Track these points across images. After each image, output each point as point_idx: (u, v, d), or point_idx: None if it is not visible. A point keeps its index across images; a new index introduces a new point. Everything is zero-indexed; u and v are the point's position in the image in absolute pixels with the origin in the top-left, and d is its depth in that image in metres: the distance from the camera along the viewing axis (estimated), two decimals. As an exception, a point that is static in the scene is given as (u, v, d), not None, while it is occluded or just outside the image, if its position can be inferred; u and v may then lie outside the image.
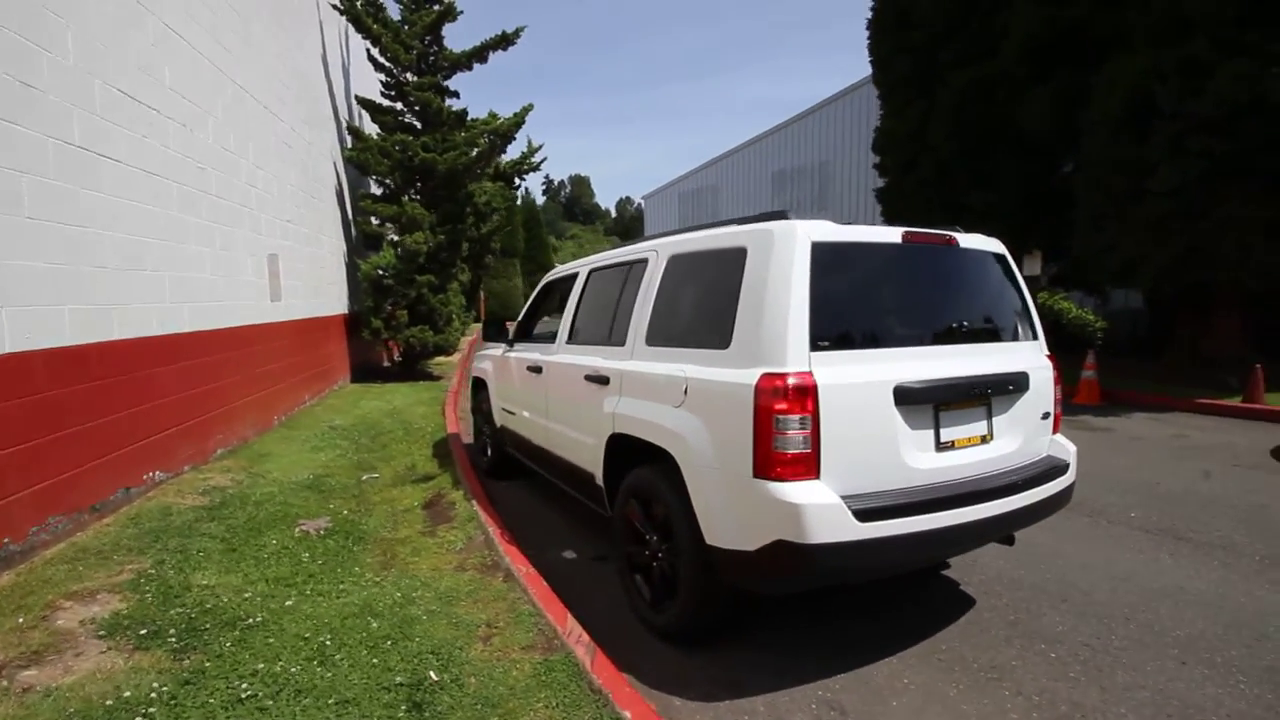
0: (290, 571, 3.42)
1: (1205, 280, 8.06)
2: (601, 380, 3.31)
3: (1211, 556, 3.74)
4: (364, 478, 5.35)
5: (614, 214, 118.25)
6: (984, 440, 2.71)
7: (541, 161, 12.77)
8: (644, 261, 3.32)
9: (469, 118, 10.87)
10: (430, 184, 10.38)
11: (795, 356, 2.33)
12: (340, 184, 10.09)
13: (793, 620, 3.06)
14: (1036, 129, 9.39)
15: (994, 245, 3.06)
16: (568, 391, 3.76)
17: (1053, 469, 2.87)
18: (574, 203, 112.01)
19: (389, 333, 10.33)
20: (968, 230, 2.98)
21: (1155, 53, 7.50)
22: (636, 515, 3.06)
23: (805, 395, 2.28)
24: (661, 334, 3.01)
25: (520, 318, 4.97)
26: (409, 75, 10.40)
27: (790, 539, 2.25)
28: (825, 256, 2.46)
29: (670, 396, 2.74)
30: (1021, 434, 2.85)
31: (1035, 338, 3.08)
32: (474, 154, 10.16)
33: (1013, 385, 2.79)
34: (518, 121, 10.01)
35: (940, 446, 2.57)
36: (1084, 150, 8.73)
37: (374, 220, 10.65)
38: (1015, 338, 2.98)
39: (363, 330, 10.23)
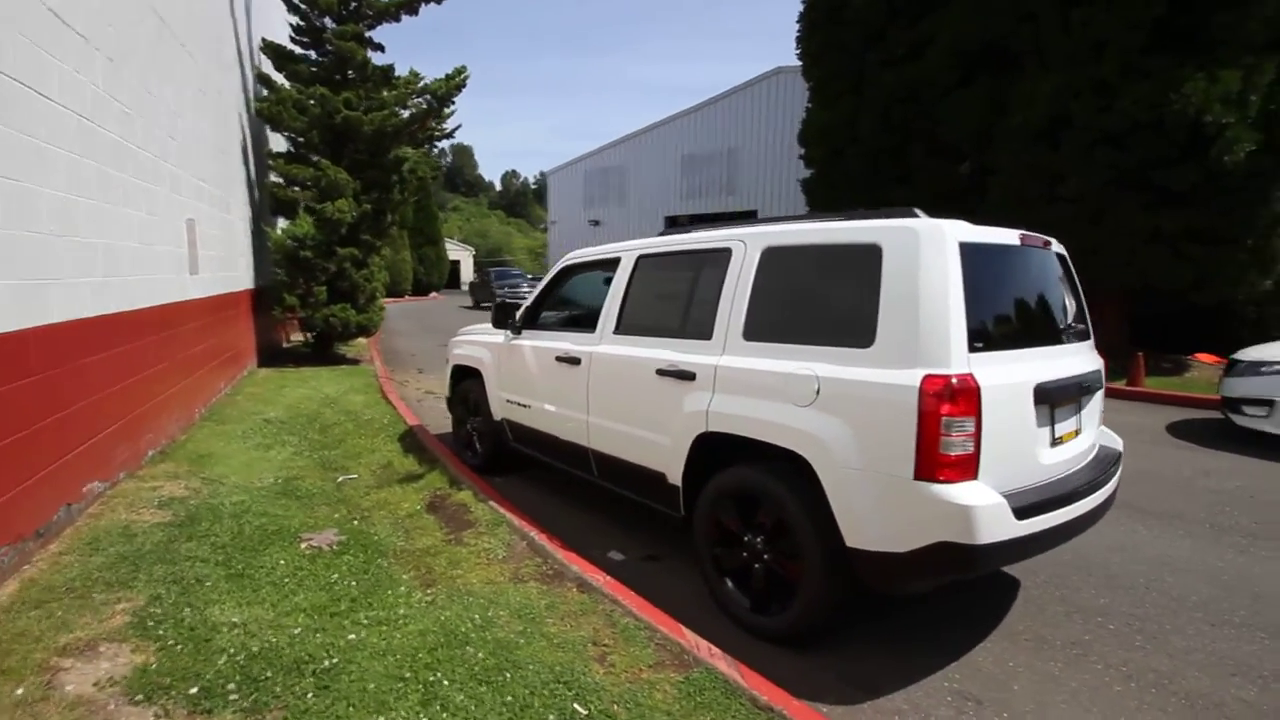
0: (327, 599, 2.96)
1: (1096, 279, 9.16)
2: (683, 375, 3.14)
3: (1174, 527, 4.26)
4: (340, 480, 4.77)
5: (499, 187, 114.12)
6: (1076, 434, 2.88)
7: (456, 129, 11.91)
8: (725, 252, 3.16)
9: (394, 75, 9.88)
10: (353, 146, 9.36)
11: (958, 357, 2.32)
12: (245, 139, 8.80)
13: (860, 615, 3.06)
14: (957, 132, 10.13)
15: (1060, 247, 3.23)
16: (626, 386, 3.53)
17: (1117, 456, 3.12)
18: (456, 173, 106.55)
19: (306, 310, 9.26)
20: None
21: (1071, 71, 8.32)
22: (730, 517, 2.96)
23: (971, 396, 2.28)
24: (765, 329, 2.89)
25: (528, 304, 4.61)
26: (328, 20, 9.24)
27: (957, 540, 2.26)
28: (966, 256, 2.47)
29: (796, 395, 2.64)
30: (1093, 427, 3.06)
31: (1090, 336, 3.31)
32: (406, 116, 9.26)
33: (1097, 383, 2.98)
34: (457, 84, 9.22)
35: (1055, 442, 2.69)
36: (1000, 155, 9.54)
37: (285, 183, 9.42)
38: (1086, 337, 3.18)
39: (274, 308, 9.09)
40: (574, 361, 3.91)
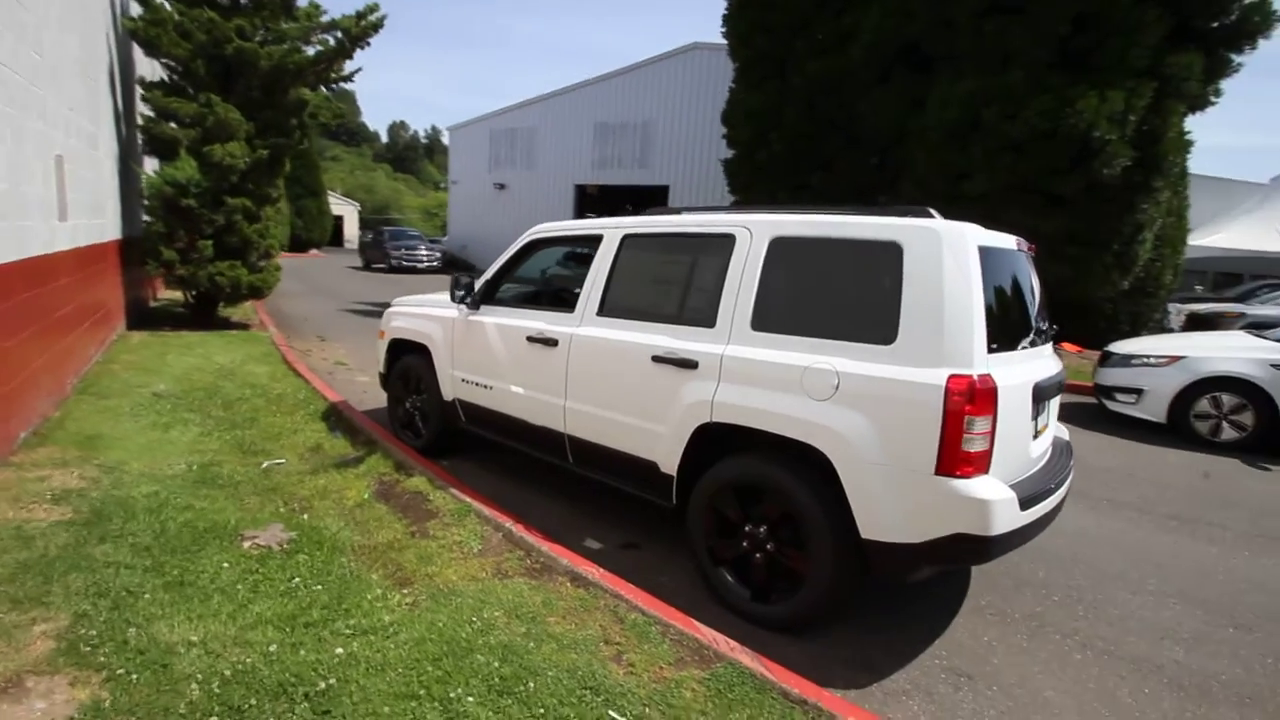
0: (294, 607, 2.63)
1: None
2: (684, 363, 3.05)
3: (1079, 502, 4.77)
4: (265, 465, 4.26)
5: (385, 138, 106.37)
6: (1046, 428, 3.12)
7: (355, 72, 10.79)
8: (727, 238, 3.09)
9: (295, 5, 8.77)
10: (245, 82, 8.24)
11: (980, 358, 2.41)
12: (113, 64, 7.47)
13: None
14: (874, 126, 10.61)
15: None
16: (614, 371, 3.39)
17: (1067, 445, 3.43)
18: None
19: (187, 268, 8.14)
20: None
21: (983, 78, 8.92)
22: (730, 508, 2.95)
23: (990, 396, 2.39)
24: (775, 320, 2.86)
25: (487, 277, 4.30)
26: (216, -68, 7.98)
27: (973, 532, 2.38)
28: (982, 259, 2.56)
29: (812, 389, 2.64)
30: (1051, 419, 3.33)
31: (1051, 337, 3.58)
32: (311, 54, 8.27)
33: (1063, 379, 3.23)
34: (372, 24, 8.33)
35: (1035, 435, 2.89)
36: (914, 152, 10.11)
37: (160, 118, 8.13)
38: (1051, 337, 3.43)
39: (147, 263, 7.92)
40: (549, 343, 3.70)
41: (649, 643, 2.56)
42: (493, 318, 4.15)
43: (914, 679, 2.63)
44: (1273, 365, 6.03)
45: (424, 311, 4.79)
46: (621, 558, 3.49)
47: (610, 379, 3.42)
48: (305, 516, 3.49)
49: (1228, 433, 6.28)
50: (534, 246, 4.18)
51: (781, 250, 2.92)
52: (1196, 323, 11.67)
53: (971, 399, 2.35)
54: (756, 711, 2.21)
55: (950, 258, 2.49)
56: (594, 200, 26.40)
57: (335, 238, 44.67)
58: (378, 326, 5.30)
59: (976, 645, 2.90)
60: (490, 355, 4.12)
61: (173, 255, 7.97)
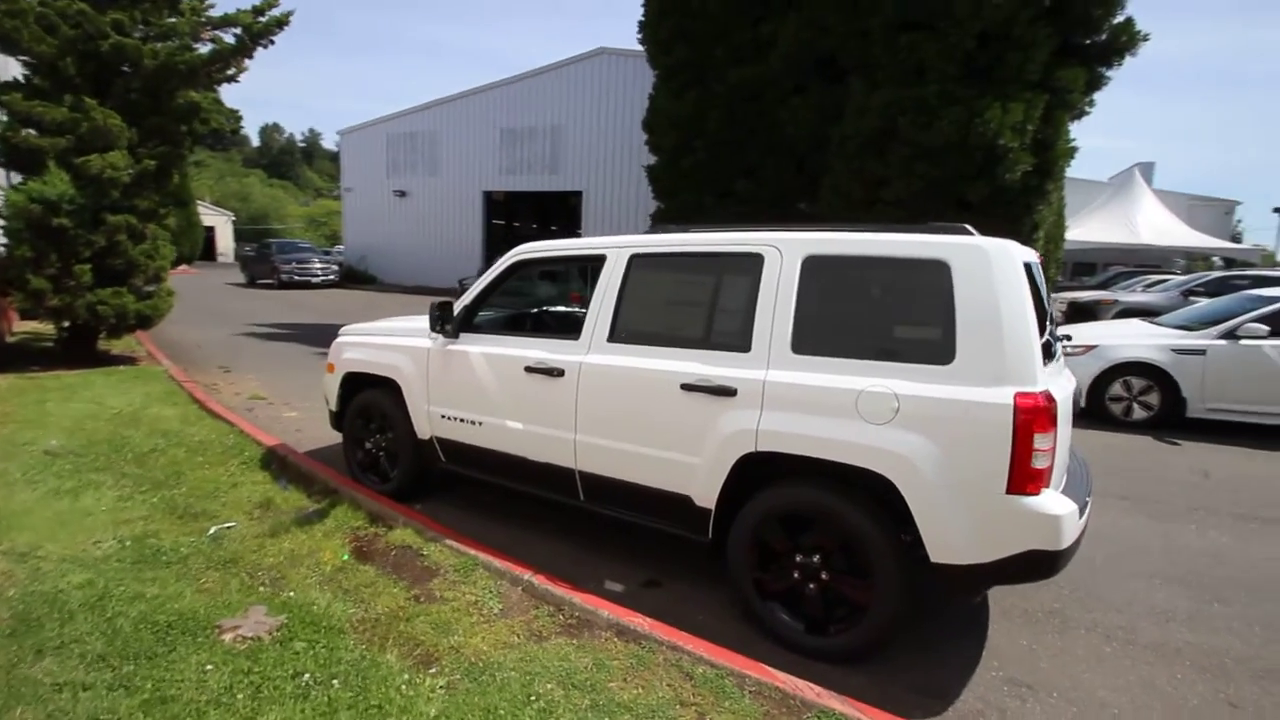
0: (313, 712, 2.22)
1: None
2: (720, 391, 2.89)
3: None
4: (211, 531, 3.67)
5: (257, 142, 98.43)
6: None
7: (235, 73, 9.71)
8: (754, 257, 2.97)
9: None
10: (124, 83, 7.20)
11: (1040, 374, 2.43)
12: (-49, 59, 6.27)
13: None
14: (795, 133, 10.95)
15: None
16: (635, 402, 3.17)
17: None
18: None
19: (61, 297, 6.99)
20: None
21: (898, 89, 9.41)
22: (777, 538, 2.83)
23: (1053, 412, 2.41)
24: (817, 343, 2.76)
25: (465, 302, 3.93)
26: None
27: (1045, 547, 2.39)
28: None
29: (870, 413, 2.57)
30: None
31: None
32: (205, 53, 7.36)
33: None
34: (276, 20, 7.52)
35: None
36: (833, 160, 10.52)
37: (21, 125, 6.91)
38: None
39: (10, 294, 6.73)
40: (553, 373, 3.42)
41: (728, 699, 2.38)
42: (478, 346, 3.80)
43: (982, 696, 2.62)
44: (1173, 350, 6.74)
45: (386, 341, 4.33)
46: (647, 598, 3.27)
47: (630, 410, 3.20)
48: (289, 593, 3.01)
49: (1138, 413, 6.95)
50: (519, 268, 3.86)
51: (816, 269, 2.83)
52: (1078, 310, 12.96)
53: (1038, 416, 2.36)
54: (868, 764, 2.10)
55: (1000, 275, 2.50)
56: (502, 207, 25.70)
57: (207, 251, 40.79)
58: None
59: (1018, 651, 2.95)
60: (477, 388, 3.77)
61: (43, 284, 6.82)
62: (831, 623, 2.76)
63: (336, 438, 5.62)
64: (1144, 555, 3.98)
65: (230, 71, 7.64)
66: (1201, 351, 6.65)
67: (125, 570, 3.12)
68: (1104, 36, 9.52)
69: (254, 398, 7.15)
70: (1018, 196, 9.58)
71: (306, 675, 2.41)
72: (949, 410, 2.46)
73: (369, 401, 4.43)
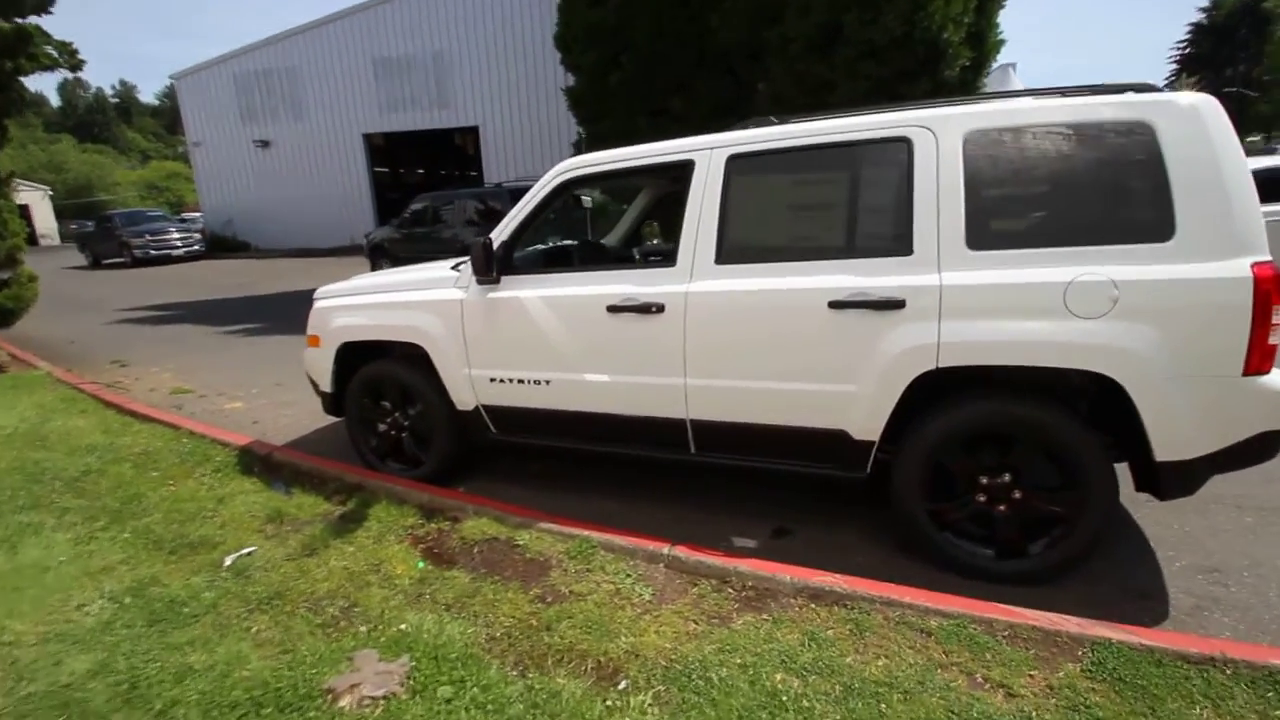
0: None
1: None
2: (883, 304, 2.46)
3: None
4: (227, 562, 2.87)
5: (57, 101, 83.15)
6: None
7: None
8: (901, 142, 2.51)
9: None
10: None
11: (1266, 241, 2.18)
12: None
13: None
14: (729, 41, 10.31)
15: None
16: (767, 330, 2.68)
17: None
18: (-29, 78, 73.66)
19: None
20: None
21: (840, -16, 8.96)
22: (960, 462, 2.52)
23: None
24: (998, 234, 2.38)
25: (505, 235, 3.21)
26: None
27: (1278, 427, 2.22)
28: None
29: (1082, 307, 2.24)
30: None
31: None
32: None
33: None
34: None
35: None
36: (772, 66, 10.02)
37: None
38: None
39: None
40: (650, 309, 2.84)
41: (987, 649, 2.07)
42: (532, 290, 3.12)
43: (1186, 589, 2.49)
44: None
45: (396, 298, 3.52)
46: (788, 549, 2.90)
47: (760, 341, 2.71)
48: (386, 626, 2.36)
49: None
50: (568, 188, 3.17)
51: (981, 148, 2.41)
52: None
53: (1275, 285, 2.12)
54: (1179, 687, 1.87)
55: (1215, 132, 2.20)
56: (386, 151, 23.28)
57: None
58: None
59: (1184, 536, 2.85)
60: (539, 341, 3.11)
61: None
62: (1029, 543, 2.52)
63: (310, 425, 4.82)
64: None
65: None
66: None
67: (141, 638, 2.32)
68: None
69: (177, 392, 5.95)
70: (955, 93, 9.58)
71: (484, 729, 1.85)
72: (1179, 292, 2.17)
73: (379, 375, 3.64)
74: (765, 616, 2.32)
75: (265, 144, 22.13)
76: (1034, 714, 1.83)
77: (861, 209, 2.61)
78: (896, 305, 2.45)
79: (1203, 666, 1.93)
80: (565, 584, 2.58)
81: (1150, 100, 2.27)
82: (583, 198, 8.72)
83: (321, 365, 3.77)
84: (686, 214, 2.84)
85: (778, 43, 9.78)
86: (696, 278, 2.79)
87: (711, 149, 2.83)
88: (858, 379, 2.56)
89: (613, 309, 2.91)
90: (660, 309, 2.82)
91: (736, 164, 2.77)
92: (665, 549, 2.67)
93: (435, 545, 2.97)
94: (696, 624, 2.31)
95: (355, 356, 3.69)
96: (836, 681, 1.99)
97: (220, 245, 22.37)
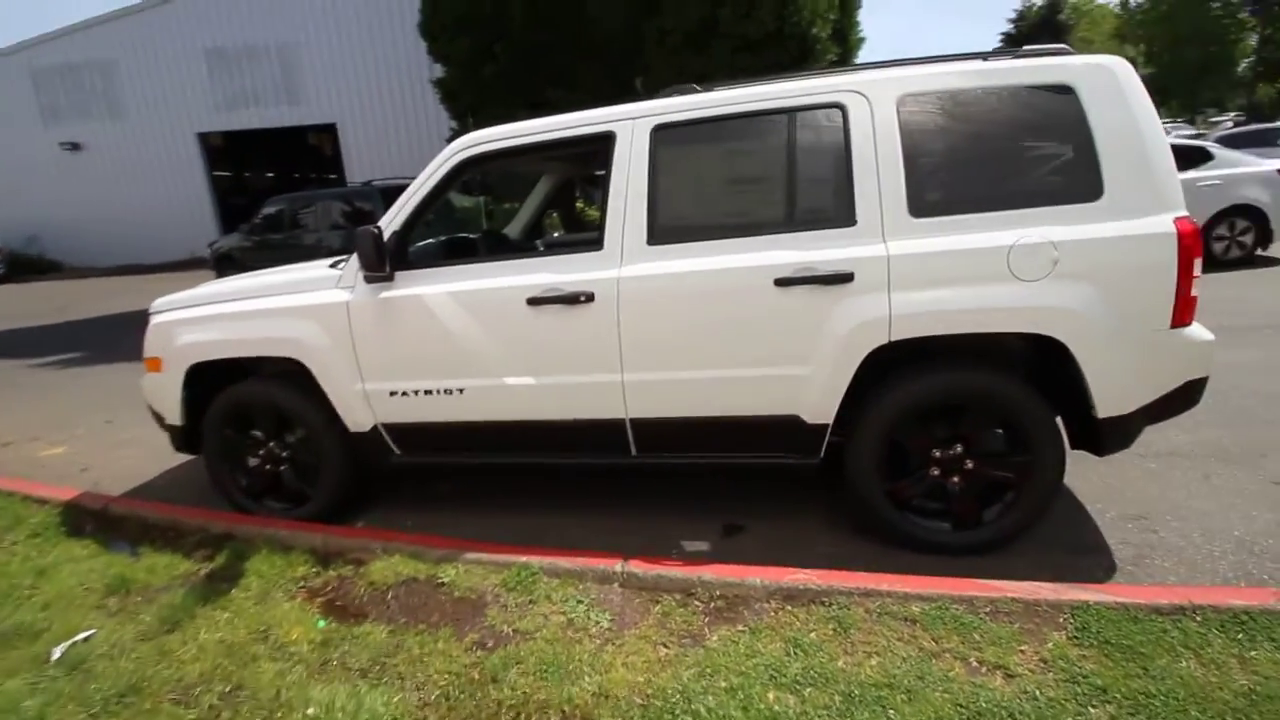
0: None
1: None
2: (831, 279, 2.32)
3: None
4: (57, 653, 2.22)
5: None
6: None
7: None
8: (835, 108, 2.38)
9: None
10: None
11: (1183, 198, 2.26)
12: None
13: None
14: (608, 29, 10.12)
15: None
16: (709, 314, 2.45)
17: None
18: None
19: None
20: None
21: (716, -21, 9.03)
22: (915, 437, 2.45)
23: (1199, 233, 2.27)
24: (938, 201, 2.31)
25: (396, 225, 2.75)
26: None
27: (1200, 375, 2.33)
28: None
29: (1025, 269, 2.22)
30: None
31: None
32: None
33: None
34: None
35: None
36: (652, 58, 9.96)
37: None
38: None
39: None
40: (577, 300, 2.52)
41: (974, 630, 1.97)
42: (433, 285, 2.70)
43: (1123, 539, 2.56)
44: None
45: (261, 305, 2.94)
46: (742, 547, 2.71)
47: (702, 327, 2.48)
48: (297, 712, 1.87)
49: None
50: (466, 168, 2.77)
51: (916, 112, 2.34)
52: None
53: (1196, 241, 2.20)
54: (1160, 641, 1.85)
55: (1130, 93, 2.25)
56: (226, 153, 20.88)
57: None
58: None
59: (1101, 490, 2.96)
60: (447, 344, 2.70)
61: None
62: (983, 512, 2.49)
63: (155, 467, 4.02)
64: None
65: None
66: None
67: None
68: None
69: (-29, 442, 4.79)
70: (826, 86, 10.02)
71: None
72: (1112, 250, 2.20)
73: (246, 399, 3.04)
74: (741, 628, 2.09)
75: (75, 147, 19.07)
76: (1037, 692, 1.74)
77: (800, 179, 2.45)
78: (845, 279, 2.32)
79: (1175, 617, 1.94)
80: (507, 623, 2.21)
81: (1070, 63, 2.29)
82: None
83: (166, 393, 3.09)
84: (610, 192, 2.55)
85: (656, 35, 9.73)
86: (628, 261, 2.51)
87: (634, 119, 2.57)
88: (809, 360, 2.40)
89: (534, 301, 2.56)
90: (589, 298, 2.51)
91: (663, 135, 2.53)
92: (618, 565, 2.37)
93: (337, 596, 2.47)
94: (667, 648, 2.04)
95: (211, 379, 3.05)
96: (834, 691, 1.80)
97: (27, 266, 19.02)
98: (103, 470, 4.06)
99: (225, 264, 11.34)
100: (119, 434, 4.71)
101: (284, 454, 3.07)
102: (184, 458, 3.52)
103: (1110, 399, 2.28)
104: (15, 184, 19.57)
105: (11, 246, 19.36)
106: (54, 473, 4.05)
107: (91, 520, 3.19)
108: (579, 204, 12.18)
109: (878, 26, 56.43)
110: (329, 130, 18.63)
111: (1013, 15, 32.41)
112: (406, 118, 17.14)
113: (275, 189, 20.52)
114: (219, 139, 19.91)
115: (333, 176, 20.10)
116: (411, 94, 16.52)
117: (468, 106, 11.17)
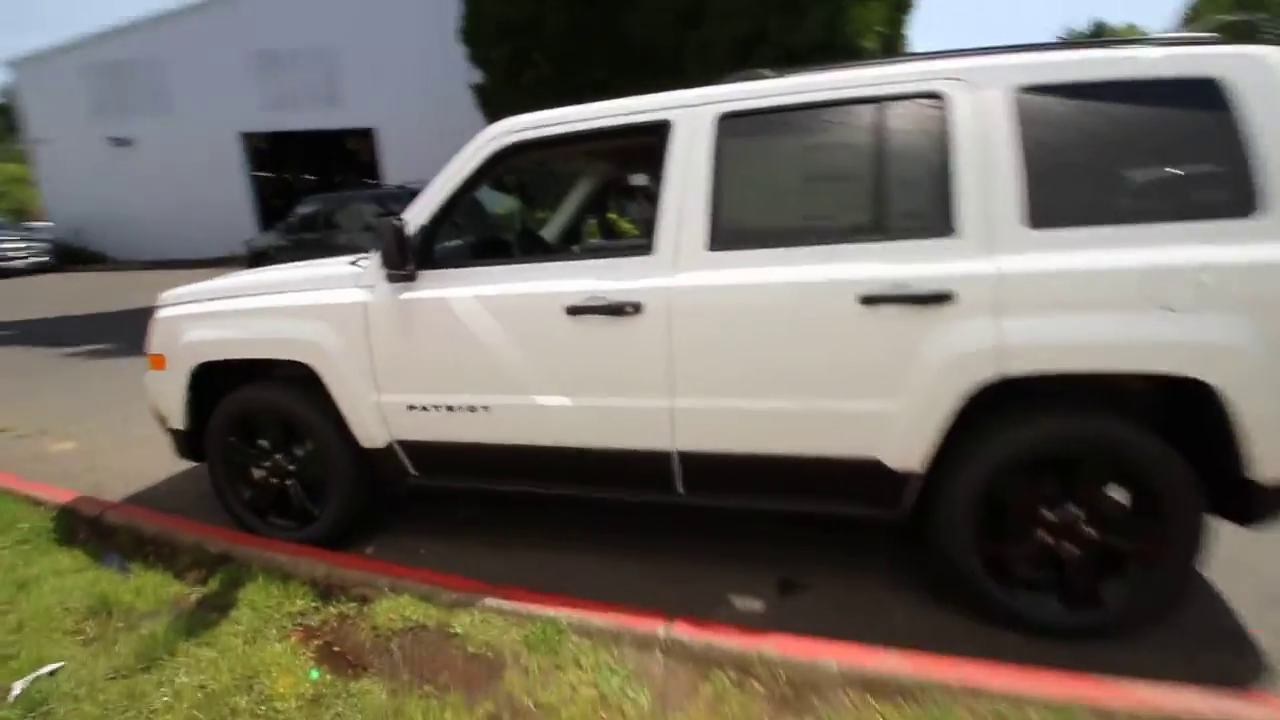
0: None
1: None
2: (927, 299, 1.96)
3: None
4: (16, 689, 1.94)
5: None
6: None
7: None
8: (930, 98, 2.04)
9: None
10: None
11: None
12: None
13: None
14: (643, 40, 9.92)
15: None
16: (776, 333, 2.11)
17: None
18: None
19: None
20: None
21: (765, -9, 8.79)
22: (1020, 496, 2.05)
23: None
24: (1060, 211, 1.94)
25: (424, 219, 2.47)
26: None
27: None
28: None
29: (1167, 298, 1.83)
30: None
31: None
32: None
33: None
34: None
35: None
36: (691, 67, 9.70)
37: None
38: None
39: None
40: (623, 310, 2.20)
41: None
42: (461, 288, 2.40)
43: (1267, 625, 2.13)
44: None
45: (273, 302, 2.68)
46: (808, 611, 2.31)
47: (769, 348, 2.13)
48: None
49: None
50: (505, 157, 2.48)
51: (1036, 108, 1.98)
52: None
53: (1377, 266, 1.80)
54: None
55: (1294, 90, 1.86)
56: (268, 153, 21.21)
57: None
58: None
59: (1224, 559, 2.53)
60: (474, 355, 2.39)
61: None
62: (1102, 589, 2.07)
63: (165, 470, 3.77)
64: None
65: None
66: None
67: None
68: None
69: (-9, 431, 4.65)
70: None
71: None
72: (1274, 277, 1.80)
73: (252, 405, 2.77)
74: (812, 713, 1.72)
75: (125, 142, 19.50)
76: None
77: (889, 180, 2.09)
78: (944, 298, 1.95)
79: None
80: (527, 692, 1.87)
81: (1219, 53, 1.91)
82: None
83: (169, 394, 2.84)
84: (664, 189, 2.23)
85: (697, 45, 9.48)
86: (683, 268, 2.18)
87: (695, 106, 2.25)
88: (897, 393, 2.03)
89: (574, 310, 2.24)
90: (637, 309, 2.19)
91: (730, 125, 2.20)
92: (660, 629, 2.01)
93: (335, 640, 2.16)
94: (722, 731, 1.68)
95: (218, 381, 2.79)
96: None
97: (74, 257, 19.45)
98: (110, 470, 3.84)
99: (260, 261, 11.31)
100: (132, 431, 4.51)
101: (291, 468, 2.79)
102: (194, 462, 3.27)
103: (1269, 457, 1.87)
104: (70, 177, 20.10)
105: (62, 238, 19.87)
106: (59, 470, 3.85)
107: (85, 527, 2.94)
108: (611, 215, 12.01)
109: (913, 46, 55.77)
110: (367, 135, 18.79)
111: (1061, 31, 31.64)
112: (444, 124, 17.03)
113: (315, 191, 20.81)
114: (261, 140, 20.23)
115: (370, 181, 20.26)
116: (449, 100, 16.51)
117: (506, 112, 11.04)
